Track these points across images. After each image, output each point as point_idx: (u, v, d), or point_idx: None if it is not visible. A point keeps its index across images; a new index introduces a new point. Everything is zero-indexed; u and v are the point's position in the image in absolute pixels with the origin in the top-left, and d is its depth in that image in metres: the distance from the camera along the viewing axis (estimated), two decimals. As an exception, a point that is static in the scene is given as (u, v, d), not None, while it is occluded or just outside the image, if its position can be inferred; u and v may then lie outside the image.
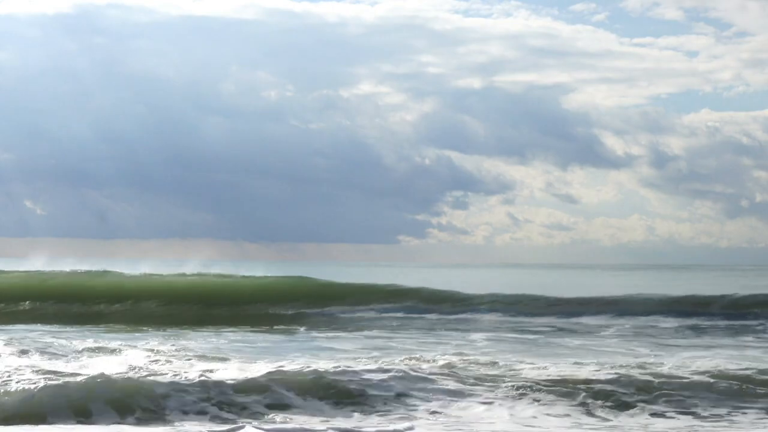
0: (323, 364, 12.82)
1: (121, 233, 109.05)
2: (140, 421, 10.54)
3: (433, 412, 11.11)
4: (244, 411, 10.96)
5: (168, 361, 13.40)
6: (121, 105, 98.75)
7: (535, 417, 10.99)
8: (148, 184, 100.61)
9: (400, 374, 12.28)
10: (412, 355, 14.55)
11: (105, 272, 33.04)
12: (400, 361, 13.56)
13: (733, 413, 11.30)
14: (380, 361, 13.47)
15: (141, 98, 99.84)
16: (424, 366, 12.97)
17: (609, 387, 12.00)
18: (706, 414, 11.25)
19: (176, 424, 10.45)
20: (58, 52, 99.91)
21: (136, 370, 12.14)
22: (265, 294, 30.11)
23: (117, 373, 11.66)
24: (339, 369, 12.35)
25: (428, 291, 29.84)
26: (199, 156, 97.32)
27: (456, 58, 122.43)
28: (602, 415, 11.20)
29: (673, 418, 11.14)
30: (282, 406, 11.16)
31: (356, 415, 11.04)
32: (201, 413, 10.82)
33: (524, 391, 11.81)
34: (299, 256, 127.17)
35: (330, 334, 20.97)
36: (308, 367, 12.51)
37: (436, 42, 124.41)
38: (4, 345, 15.30)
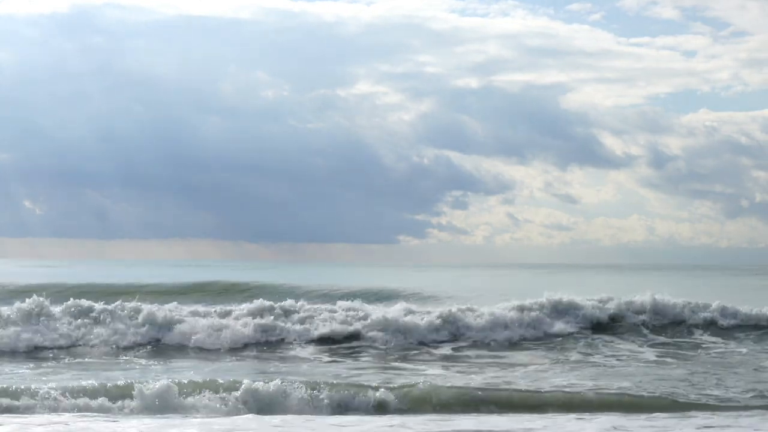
0: None
1: (121, 233, 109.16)
2: None
3: None
4: None
5: None
6: (119, 105, 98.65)
7: None
8: (148, 184, 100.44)
9: None
10: None
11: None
12: None
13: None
14: None
15: (139, 98, 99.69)
16: None
17: None
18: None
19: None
20: (56, 52, 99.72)
21: None
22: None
23: None
24: None
25: None
26: (197, 156, 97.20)
27: (454, 58, 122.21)
28: None
29: None
30: None
31: None
32: None
33: None
34: (299, 257, 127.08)
35: None
36: None
37: (433, 41, 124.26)
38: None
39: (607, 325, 24.57)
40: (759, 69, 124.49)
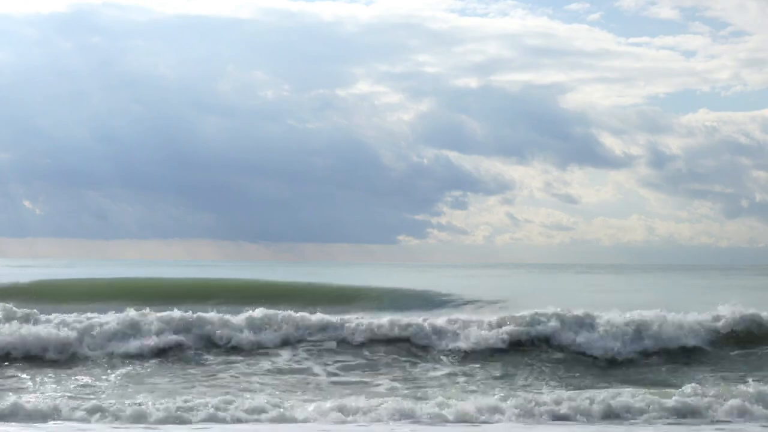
0: None
1: (121, 233, 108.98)
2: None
3: None
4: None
5: None
6: (118, 104, 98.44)
7: None
8: (147, 183, 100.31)
9: None
10: None
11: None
12: None
13: None
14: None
15: (138, 98, 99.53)
16: None
17: None
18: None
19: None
20: (55, 52, 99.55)
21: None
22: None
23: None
24: None
25: None
26: (197, 156, 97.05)
27: (453, 58, 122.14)
28: None
29: None
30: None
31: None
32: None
33: None
34: (298, 257, 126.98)
35: None
36: None
37: (432, 41, 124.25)
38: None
39: None
40: (758, 69, 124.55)
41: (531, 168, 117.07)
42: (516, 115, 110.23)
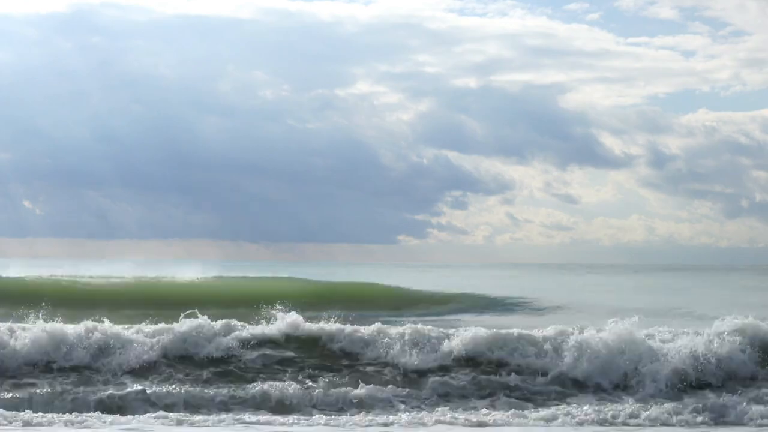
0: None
1: (121, 233, 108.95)
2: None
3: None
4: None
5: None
6: (118, 104, 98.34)
7: None
8: (147, 183, 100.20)
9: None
10: None
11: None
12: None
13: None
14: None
15: (138, 98, 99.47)
16: None
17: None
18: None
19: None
20: (55, 52, 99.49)
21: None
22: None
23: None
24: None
25: None
26: (197, 156, 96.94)
27: (452, 58, 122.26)
28: None
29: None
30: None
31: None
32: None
33: None
34: (298, 257, 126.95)
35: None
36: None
37: (432, 41, 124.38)
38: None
39: None
40: (758, 69, 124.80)
41: (531, 168, 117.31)
42: (516, 115, 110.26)
